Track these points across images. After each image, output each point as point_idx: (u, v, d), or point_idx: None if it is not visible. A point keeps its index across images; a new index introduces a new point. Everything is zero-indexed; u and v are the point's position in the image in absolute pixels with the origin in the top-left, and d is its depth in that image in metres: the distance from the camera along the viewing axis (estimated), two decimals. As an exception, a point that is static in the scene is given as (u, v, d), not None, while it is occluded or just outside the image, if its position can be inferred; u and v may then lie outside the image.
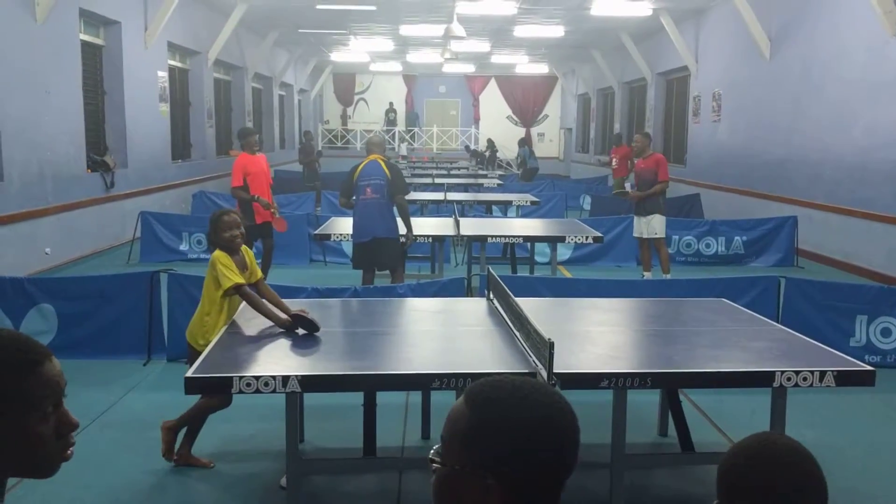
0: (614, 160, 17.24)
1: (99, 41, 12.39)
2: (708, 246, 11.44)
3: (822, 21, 11.60)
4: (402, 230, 7.55)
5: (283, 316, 4.27)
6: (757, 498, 1.42)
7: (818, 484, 1.43)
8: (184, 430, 4.51)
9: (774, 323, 4.88)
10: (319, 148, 24.46)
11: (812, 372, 3.58)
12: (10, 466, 1.29)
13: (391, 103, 32.79)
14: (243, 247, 4.53)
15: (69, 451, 1.33)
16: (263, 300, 4.36)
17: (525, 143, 23.55)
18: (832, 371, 3.59)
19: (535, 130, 32.62)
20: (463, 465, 1.20)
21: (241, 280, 4.30)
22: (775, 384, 3.59)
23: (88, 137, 11.58)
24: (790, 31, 12.63)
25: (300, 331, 4.19)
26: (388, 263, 7.59)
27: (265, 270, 9.05)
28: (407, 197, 7.88)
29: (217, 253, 4.39)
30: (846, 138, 10.86)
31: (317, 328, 4.17)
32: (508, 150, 30.76)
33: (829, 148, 11.28)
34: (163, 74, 14.48)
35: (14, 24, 9.35)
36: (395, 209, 7.55)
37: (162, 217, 11.39)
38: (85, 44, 11.66)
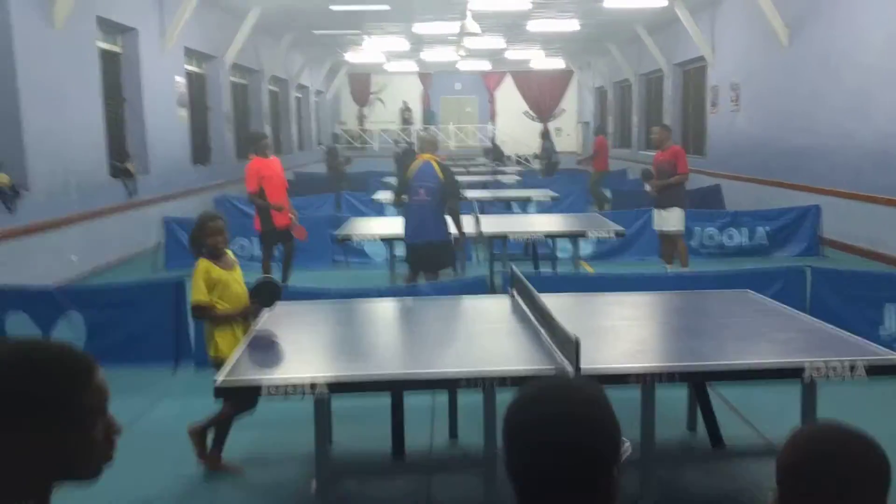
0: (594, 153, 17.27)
1: (117, 48, 12.49)
2: (731, 237, 11.34)
3: (841, 6, 11.47)
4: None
5: (242, 306, 4.39)
6: (826, 485, 1.43)
7: (889, 479, 1.45)
8: (212, 437, 4.54)
9: (802, 314, 4.83)
10: (342, 155, 24.34)
11: (842, 363, 3.54)
12: (63, 473, 1.34)
13: (405, 102, 32.84)
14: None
15: (112, 454, 1.39)
16: (221, 309, 4.36)
17: (548, 135, 23.32)
18: (863, 362, 3.55)
19: (552, 125, 32.52)
20: None
21: (202, 298, 4.32)
22: (805, 376, 3.55)
23: (110, 145, 11.69)
24: (808, 18, 12.49)
25: (264, 308, 4.40)
26: (439, 266, 7.57)
27: (286, 273, 9.10)
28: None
29: (199, 263, 4.41)
30: (867, 124, 10.73)
31: (276, 288, 4.41)
32: (525, 146, 30.74)
33: (850, 135, 11.15)
34: (180, 80, 14.59)
35: (33, 33, 9.45)
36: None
37: (186, 223, 11.47)
38: (103, 51, 11.77)
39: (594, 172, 17.06)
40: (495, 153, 24.48)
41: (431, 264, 7.53)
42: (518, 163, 27.53)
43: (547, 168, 21.22)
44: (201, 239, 4.46)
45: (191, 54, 15.52)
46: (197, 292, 4.32)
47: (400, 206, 7.84)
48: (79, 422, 1.31)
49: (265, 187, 8.68)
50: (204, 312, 4.36)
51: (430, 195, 7.34)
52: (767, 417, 5.11)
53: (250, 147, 9.35)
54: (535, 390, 1.34)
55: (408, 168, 7.61)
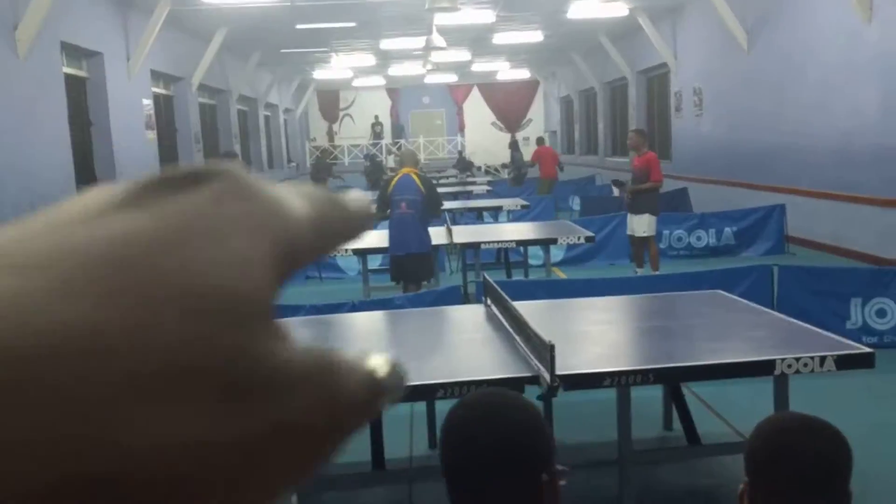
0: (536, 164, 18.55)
1: (82, 73, 12.41)
2: (699, 239, 11.51)
3: (798, 10, 11.73)
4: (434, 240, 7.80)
5: None
6: (792, 468, 1.48)
7: (850, 465, 1.51)
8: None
9: (771, 311, 4.93)
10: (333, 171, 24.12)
11: (812, 357, 3.61)
12: None
13: (376, 116, 32.92)
14: None
15: None
16: None
17: (517, 146, 23.68)
18: (832, 355, 3.63)
19: (520, 135, 32.76)
20: None
21: None
22: (776, 372, 3.63)
23: (77, 169, 11.60)
24: (767, 22, 12.75)
25: None
26: (421, 277, 7.75)
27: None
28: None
29: None
30: (826, 124, 10.96)
31: None
32: (495, 156, 30.93)
33: (811, 134, 11.39)
34: (148, 102, 14.52)
35: (-4, 61, 9.38)
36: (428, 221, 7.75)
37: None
38: (69, 77, 11.69)
39: (539, 181, 18.18)
40: (462, 164, 24.72)
41: (413, 276, 7.65)
42: (487, 173, 27.69)
43: (517, 178, 21.47)
44: None
45: (157, 76, 15.45)
46: None
47: (381, 220, 7.94)
48: None
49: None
50: None
51: (412, 207, 7.47)
52: (742, 413, 5.19)
53: None
54: (468, 396, 1.44)
55: (389, 183, 7.71)
